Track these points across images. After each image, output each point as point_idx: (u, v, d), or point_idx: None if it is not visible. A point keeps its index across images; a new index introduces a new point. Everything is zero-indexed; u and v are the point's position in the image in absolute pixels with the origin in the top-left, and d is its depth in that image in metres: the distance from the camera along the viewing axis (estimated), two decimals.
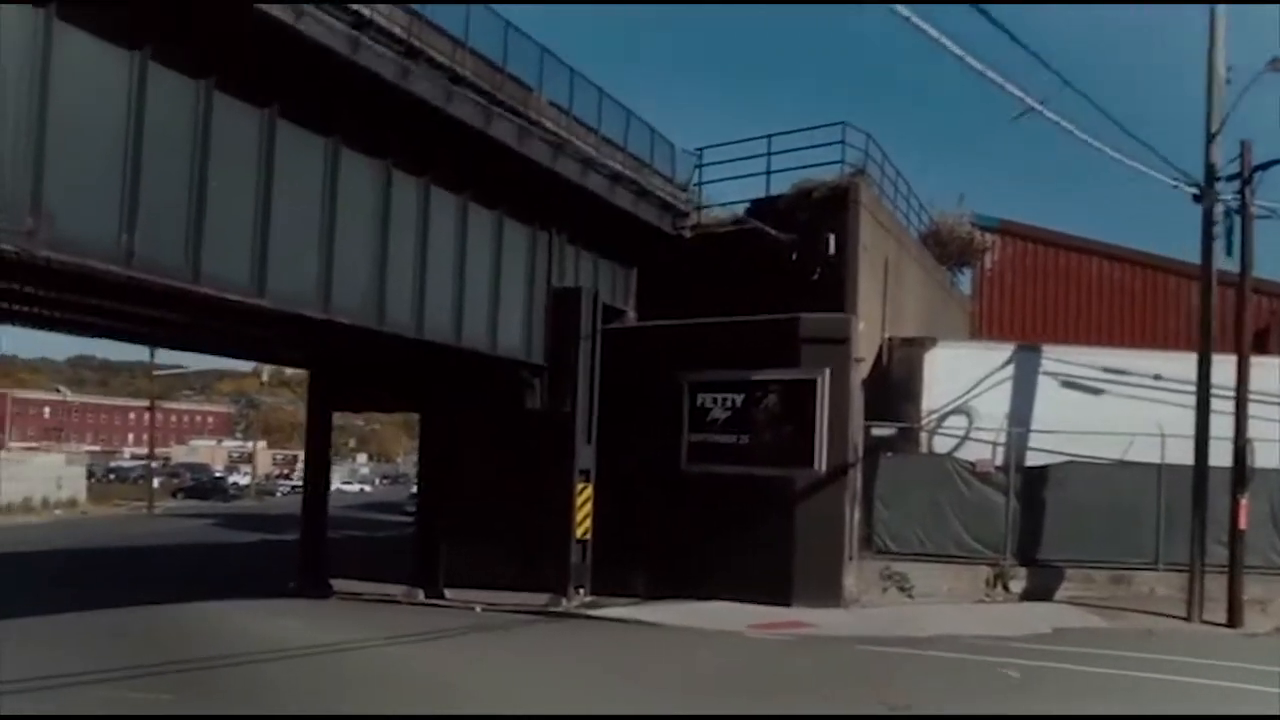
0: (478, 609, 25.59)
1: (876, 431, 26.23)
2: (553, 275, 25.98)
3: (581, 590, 25.60)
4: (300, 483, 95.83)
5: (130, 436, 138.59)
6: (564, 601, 25.15)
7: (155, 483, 75.54)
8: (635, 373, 26.87)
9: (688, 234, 29.36)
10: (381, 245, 20.22)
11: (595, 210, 26.08)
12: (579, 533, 25.57)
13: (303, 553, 30.23)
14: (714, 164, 29.93)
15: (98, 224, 14.48)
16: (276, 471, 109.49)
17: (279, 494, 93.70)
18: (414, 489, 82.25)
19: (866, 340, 26.50)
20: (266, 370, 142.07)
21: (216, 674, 16.37)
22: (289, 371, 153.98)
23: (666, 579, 25.81)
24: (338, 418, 33.63)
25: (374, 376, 28.91)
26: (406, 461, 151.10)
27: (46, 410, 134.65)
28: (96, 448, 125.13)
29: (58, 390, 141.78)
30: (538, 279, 25.55)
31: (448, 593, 27.49)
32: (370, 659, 18.24)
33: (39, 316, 22.11)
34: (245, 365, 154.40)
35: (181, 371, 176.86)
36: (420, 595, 27.49)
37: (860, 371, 25.75)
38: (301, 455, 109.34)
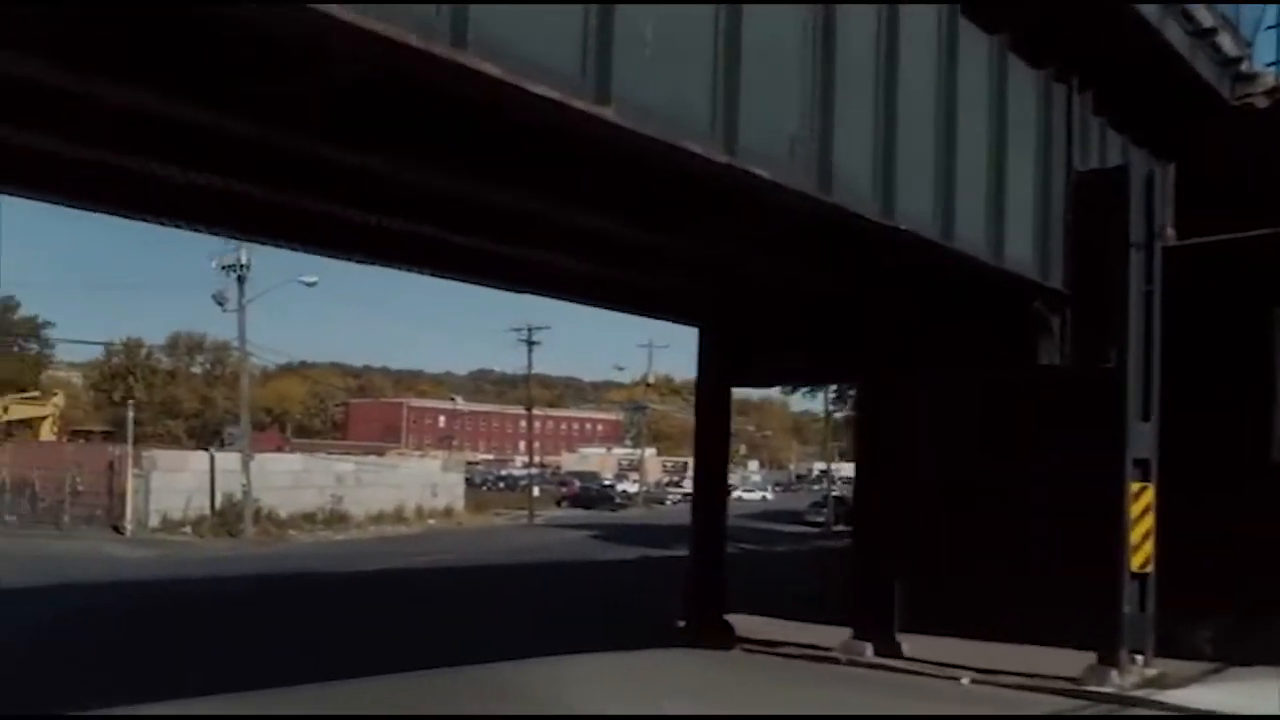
0: (964, 680, 16.69)
1: None
2: (1073, 154, 16.38)
3: (1140, 657, 15.82)
4: (690, 489, 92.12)
5: (521, 445, 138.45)
6: (1113, 674, 15.49)
7: (536, 491, 70.98)
8: (1184, 313, 17.38)
9: (1261, 102, 19.24)
10: (821, 66, 11.17)
11: (1131, 53, 16.30)
12: (1135, 562, 15.81)
13: (693, 581, 21.72)
14: None
15: None
16: (665, 479, 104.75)
17: (668, 502, 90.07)
18: (815, 497, 76.94)
19: None
20: (653, 375, 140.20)
21: None
22: (678, 379, 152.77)
23: (1246, 632, 17.03)
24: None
25: (789, 331, 20.22)
26: (799, 468, 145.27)
27: (441, 419, 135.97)
28: (489, 456, 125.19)
29: (452, 399, 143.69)
30: (1054, 155, 15.97)
31: (906, 646, 18.48)
32: None
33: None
34: (638, 363, 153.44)
35: (575, 383, 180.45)
36: (867, 651, 18.52)
37: None
38: (690, 462, 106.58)
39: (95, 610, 23.15)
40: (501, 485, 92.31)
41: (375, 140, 9.80)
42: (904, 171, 12.43)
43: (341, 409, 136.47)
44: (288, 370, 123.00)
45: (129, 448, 42.52)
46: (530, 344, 69.89)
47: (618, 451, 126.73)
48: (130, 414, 44.87)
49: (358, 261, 16.54)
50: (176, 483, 43.67)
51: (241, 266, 43.51)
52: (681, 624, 21.37)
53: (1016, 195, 14.94)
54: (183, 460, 46.50)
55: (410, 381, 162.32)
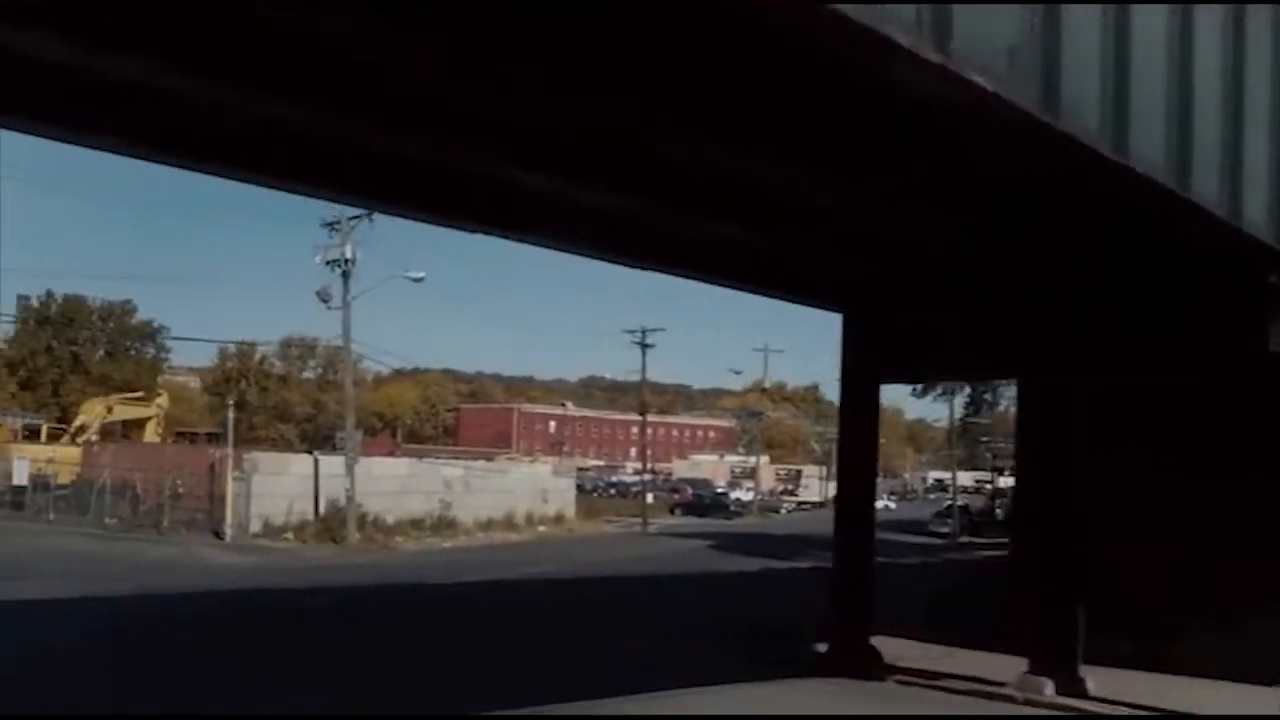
0: None
1: None
2: None
3: None
4: (806, 499, 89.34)
5: (632, 451, 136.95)
6: None
7: (649, 498, 69.10)
8: None
9: None
10: None
11: None
12: None
13: (838, 599, 19.25)
14: None
15: None
16: (780, 487, 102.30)
17: (782, 510, 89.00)
18: (938, 507, 73.72)
19: None
20: (766, 381, 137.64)
21: None
22: (790, 385, 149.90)
23: None
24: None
25: (947, 319, 17.72)
26: (913, 477, 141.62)
27: (551, 425, 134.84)
28: (600, 462, 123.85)
29: (562, 405, 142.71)
30: None
31: (1090, 683, 15.84)
32: None
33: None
34: (754, 368, 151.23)
35: (685, 389, 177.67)
36: (1047, 689, 15.88)
37: None
38: (804, 470, 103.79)
39: (175, 621, 21.52)
40: (612, 492, 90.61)
41: None
42: (1137, 105, 9.91)
43: (453, 415, 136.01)
44: (400, 375, 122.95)
45: (229, 449, 40.82)
46: (644, 346, 67.96)
47: (730, 459, 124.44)
48: (230, 414, 43.31)
49: (473, 229, 14.18)
50: (278, 486, 41.99)
51: (346, 262, 41.90)
52: (822, 648, 18.98)
53: (1252, 144, 12.27)
54: (284, 463, 44.83)
55: (521, 388, 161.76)
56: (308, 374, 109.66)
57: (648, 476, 75.47)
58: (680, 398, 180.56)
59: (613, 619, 24.15)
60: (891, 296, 18.11)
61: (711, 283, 17.94)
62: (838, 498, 20.72)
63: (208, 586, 27.08)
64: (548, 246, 15.03)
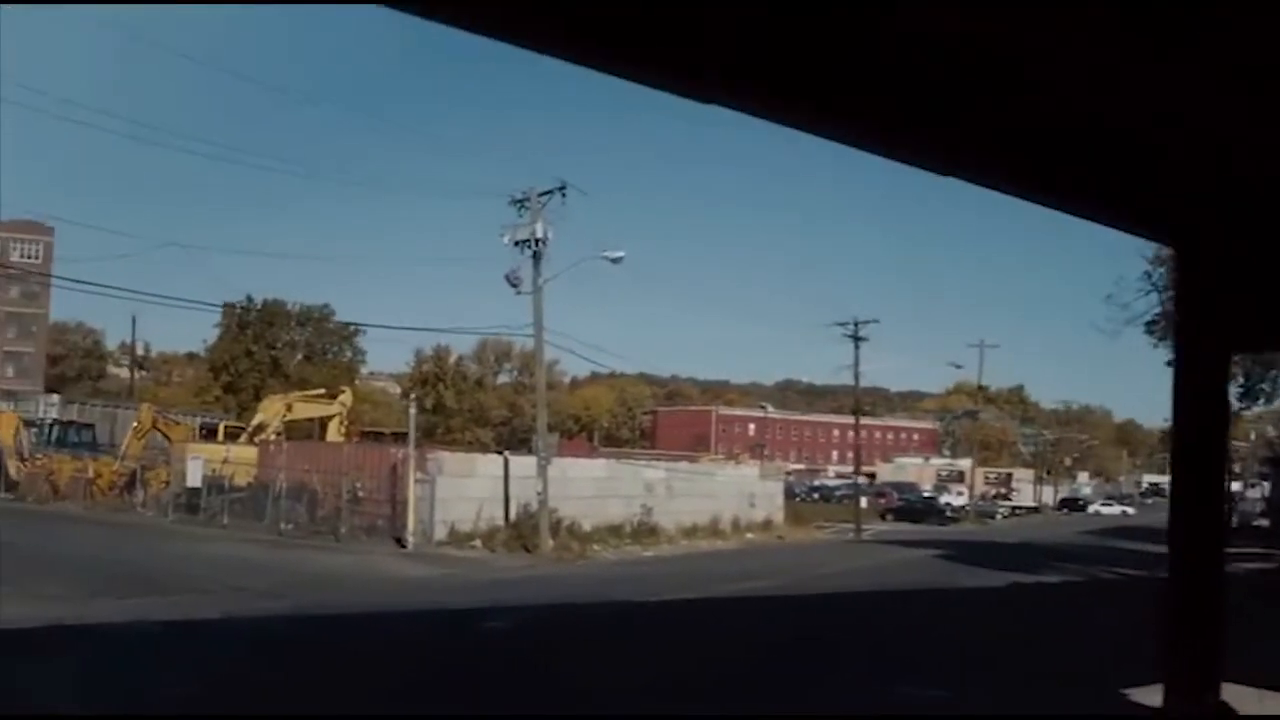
0: None
1: None
2: None
3: None
4: (1020, 503, 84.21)
5: (834, 454, 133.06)
6: None
7: (864, 502, 65.62)
8: None
9: None
10: None
11: None
12: None
13: (1175, 633, 14.13)
14: None
15: None
16: (991, 491, 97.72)
17: (998, 516, 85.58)
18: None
19: None
20: (976, 381, 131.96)
21: None
22: (994, 388, 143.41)
23: None
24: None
25: None
26: (1127, 481, 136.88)
27: (750, 427, 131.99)
28: (800, 466, 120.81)
29: (762, 407, 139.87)
30: None
31: None
32: None
33: None
34: (954, 372, 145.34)
35: (881, 392, 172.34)
36: None
37: None
38: (1015, 474, 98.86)
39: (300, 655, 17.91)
40: (815, 496, 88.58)
41: None
42: None
43: (650, 418, 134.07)
44: (596, 379, 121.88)
45: (410, 449, 37.27)
46: (857, 340, 63.61)
47: (936, 461, 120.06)
48: (413, 409, 39.88)
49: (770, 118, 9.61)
50: (465, 489, 38.65)
51: (537, 241, 38.27)
52: (1142, 697, 14.26)
53: None
54: (471, 464, 41.35)
55: (718, 391, 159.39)
56: (503, 377, 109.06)
57: (860, 480, 71.22)
58: (879, 399, 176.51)
59: (855, 652, 19.62)
60: (1261, 221, 13.26)
61: (1020, 195, 13.20)
62: (1172, 497, 15.80)
63: (375, 605, 23.55)
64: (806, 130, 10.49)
